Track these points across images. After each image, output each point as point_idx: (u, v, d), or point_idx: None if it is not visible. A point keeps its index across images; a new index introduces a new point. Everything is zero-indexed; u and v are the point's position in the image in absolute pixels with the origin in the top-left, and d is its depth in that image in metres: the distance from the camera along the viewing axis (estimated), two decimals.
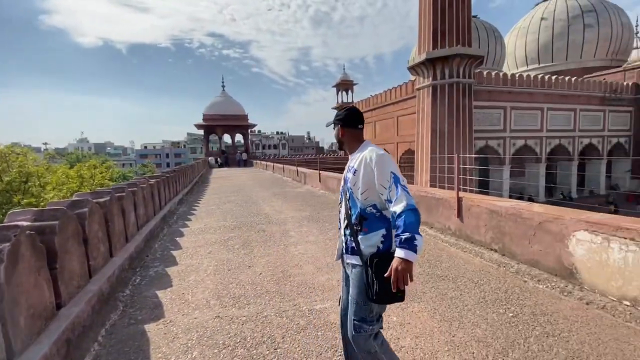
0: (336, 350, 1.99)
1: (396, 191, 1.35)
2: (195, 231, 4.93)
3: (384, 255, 1.40)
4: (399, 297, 1.38)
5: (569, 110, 25.97)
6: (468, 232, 3.67)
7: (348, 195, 1.53)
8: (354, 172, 1.50)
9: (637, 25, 37.88)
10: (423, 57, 19.61)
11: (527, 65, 37.69)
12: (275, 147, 79.28)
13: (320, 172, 9.05)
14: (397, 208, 1.33)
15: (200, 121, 31.74)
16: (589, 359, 1.84)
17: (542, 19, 37.35)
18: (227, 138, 37.87)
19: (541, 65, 36.49)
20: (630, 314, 2.25)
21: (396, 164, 1.49)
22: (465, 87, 19.70)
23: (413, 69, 21.08)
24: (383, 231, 1.45)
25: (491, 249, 3.39)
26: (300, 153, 60.42)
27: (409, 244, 1.27)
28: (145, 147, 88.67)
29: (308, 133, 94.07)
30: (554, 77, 25.15)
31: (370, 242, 1.44)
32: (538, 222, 2.85)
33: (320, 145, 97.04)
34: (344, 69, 38.20)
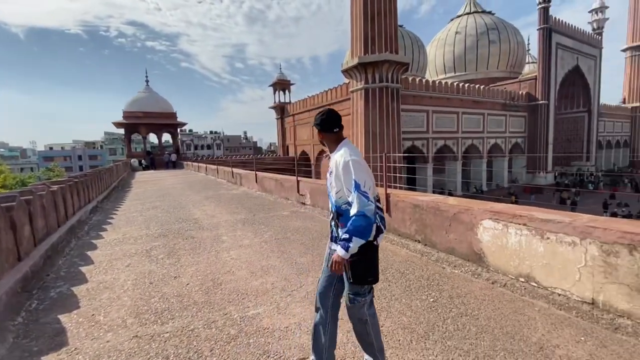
0: (269, 356, 1.93)
1: (354, 197, 1.55)
2: (111, 242, 4.36)
3: (367, 245, 1.60)
4: (370, 280, 1.64)
5: (479, 114, 29.68)
6: (396, 226, 3.90)
7: (328, 193, 1.76)
8: (330, 173, 1.72)
9: (528, 44, 44.97)
10: (355, 61, 20.53)
11: (445, 73, 42.05)
12: (209, 147, 75.23)
13: (257, 172, 8.82)
14: (351, 211, 1.56)
15: (120, 119, 28.53)
16: (494, 332, 2.09)
17: (456, 32, 41.99)
18: (153, 138, 34.75)
19: (457, 73, 41.04)
20: (525, 288, 2.63)
21: (362, 167, 1.62)
22: (394, 91, 21.16)
23: (347, 72, 21.92)
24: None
25: (415, 240, 3.66)
26: (236, 153, 58.36)
27: (344, 244, 1.54)
28: (51, 148, 76.47)
29: (245, 133, 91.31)
30: (467, 85, 28.47)
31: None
32: (453, 214, 3.16)
33: (259, 145, 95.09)
34: (280, 68, 38.01)
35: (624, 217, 20.89)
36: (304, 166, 31.83)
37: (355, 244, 1.53)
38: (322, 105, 29.50)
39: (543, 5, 32.65)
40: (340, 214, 1.66)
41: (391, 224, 3.98)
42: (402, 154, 21.75)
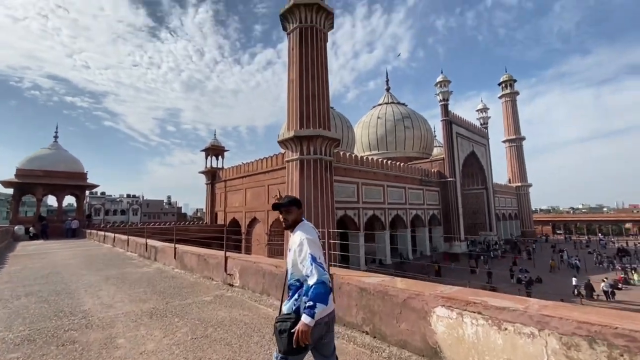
0: None
1: (311, 268, 1.77)
2: None
3: (298, 317, 1.76)
4: (304, 349, 1.77)
5: (401, 187, 32.66)
6: (340, 314, 3.42)
7: (285, 269, 2.02)
8: (290, 250, 1.98)
9: (435, 131, 53.55)
10: (292, 134, 21.50)
11: (370, 150, 46.77)
12: (123, 212, 66.90)
13: (177, 245, 7.65)
14: (310, 281, 1.76)
15: (12, 177, 23.95)
16: None
17: (378, 117, 48.22)
18: (53, 201, 29.47)
19: (380, 151, 45.95)
20: None
21: (316, 244, 1.91)
22: (327, 163, 22.27)
23: (283, 143, 22.66)
24: (296, 296, 1.88)
25: (363, 332, 3.20)
26: (156, 220, 52.64)
27: (309, 311, 1.68)
28: None
29: (169, 197, 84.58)
30: (390, 162, 31.68)
31: (288, 307, 1.88)
32: (403, 300, 2.85)
33: (184, 211, 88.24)
34: (214, 134, 37.81)
35: (526, 282, 23.53)
36: (234, 233, 29.82)
37: (319, 309, 1.69)
38: (257, 173, 29.36)
39: (443, 102, 40.10)
40: (290, 289, 1.93)
41: (336, 311, 3.49)
42: (335, 229, 22.01)
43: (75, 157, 28.07)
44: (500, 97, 61.46)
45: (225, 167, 36.17)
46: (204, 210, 39.28)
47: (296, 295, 1.87)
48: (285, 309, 1.89)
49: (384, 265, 27.73)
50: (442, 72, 41.45)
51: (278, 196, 25.38)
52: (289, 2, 23.24)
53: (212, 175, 36.05)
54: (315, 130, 21.51)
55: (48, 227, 23.24)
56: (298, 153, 21.76)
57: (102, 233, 17.98)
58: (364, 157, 28.98)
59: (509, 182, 60.11)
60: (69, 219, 26.78)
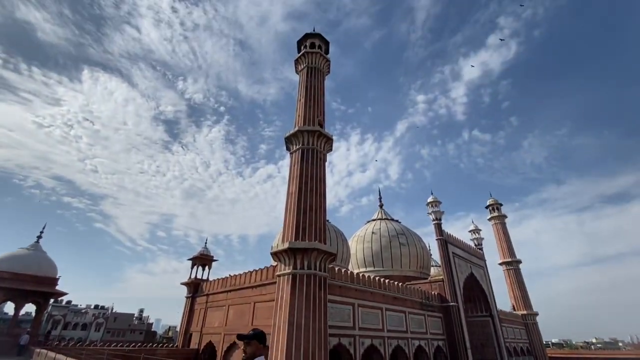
0: None
1: None
2: None
3: None
4: None
5: (401, 312, 29.75)
6: None
7: None
8: None
9: (430, 249, 52.86)
10: (286, 245, 20.70)
11: (366, 267, 44.91)
12: (84, 327, 58.54)
13: None
14: None
15: None
16: None
17: (372, 232, 48.28)
18: (10, 309, 25.82)
19: (376, 268, 44.05)
20: None
21: None
22: (322, 280, 20.70)
23: (276, 255, 21.58)
24: None
25: None
26: (120, 340, 45.52)
27: None
28: None
29: (141, 311, 75.44)
30: (388, 281, 29.81)
31: None
32: None
33: (154, 328, 77.75)
34: (205, 243, 36.59)
35: None
36: None
37: None
38: (244, 287, 26.99)
39: (436, 222, 40.85)
40: None
41: None
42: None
43: (52, 260, 26.10)
44: (489, 220, 63.41)
45: (210, 278, 33.64)
46: (177, 330, 34.43)
47: None
48: None
49: None
50: (432, 193, 43.70)
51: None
52: (294, 128, 26.13)
53: (194, 287, 33.12)
54: (311, 242, 20.85)
55: None
56: (291, 267, 20.49)
57: (53, 355, 14.90)
58: (360, 275, 27.33)
59: (513, 309, 55.96)
60: (27, 332, 22.97)
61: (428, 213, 42.47)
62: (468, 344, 34.39)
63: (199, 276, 33.86)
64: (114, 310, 67.62)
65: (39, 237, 26.38)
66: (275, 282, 23.61)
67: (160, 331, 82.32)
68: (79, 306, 70.01)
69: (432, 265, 53.32)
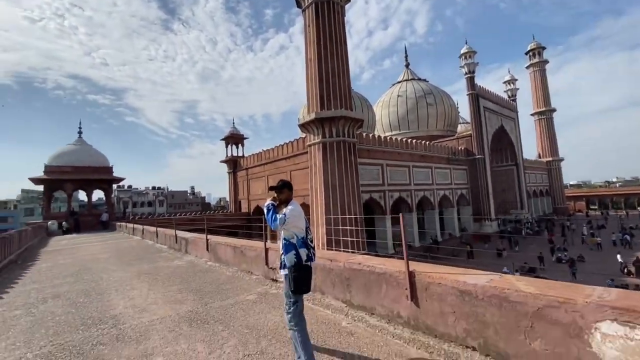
0: None
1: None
2: None
3: (299, 266, 2.46)
4: (305, 290, 2.48)
5: (427, 167, 31.26)
6: (429, 322, 2.66)
7: (280, 232, 2.58)
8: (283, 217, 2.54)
9: (457, 106, 50.90)
10: (312, 116, 20.57)
11: (391, 131, 45.07)
12: (150, 204, 68.82)
13: (208, 237, 7.12)
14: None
15: (41, 175, 24.50)
16: None
17: (398, 95, 46.20)
18: (83, 196, 30.21)
19: (401, 131, 44.20)
20: None
21: (298, 216, 2.56)
22: (351, 145, 21.29)
23: (304, 126, 21.80)
24: (294, 251, 2.49)
25: (467, 347, 2.42)
26: (182, 210, 53.72)
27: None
28: None
29: (192, 188, 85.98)
30: (415, 141, 30.25)
31: (288, 260, 2.49)
32: (536, 309, 2.04)
33: (207, 200, 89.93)
34: (233, 123, 37.36)
35: (568, 262, 22.04)
36: (258, 221, 29.70)
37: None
38: (278, 159, 28.79)
39: (469, 75, 37.67)
40: (283, 246, 2.54)
41: (420, 319, 2.73)
42: (362, 214, 21.21)
43: (99, 151, 28.40)
44: (527, 67, 57.47)
45: (245, 155, 35.87)
46: (227, 199, 39.46)
47: (294, 251, 2.50)
48: (287, 263, 2.48)
49: (412, 249, 26.86)
50: (466, 43, 38.84)
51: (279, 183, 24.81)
52: None
53: (233, 163, 35.86)
54: (337, 111, 20.46)
55: (80, 221, 23.82)
56: (320, 136, 20.88)
57: (131, 225, 18.07)
58: (387, 138, 27.69)
59: (539, 157, 56.90)
60: (104, 211, 27.45)
61: (460, 66, 38.86)
62: (490, 190, 37.02)
63: (234, 154, 36.17)
64: (169, 189, 77.60)
65: (80, 132, 28.12)
66: (307, 152, 24.80)
67: (212, 202, 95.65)
68: (139, 189, 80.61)
69: (460, 123, 52.37)
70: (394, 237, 27.71)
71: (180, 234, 9.25)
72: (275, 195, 2.64)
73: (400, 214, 3.33)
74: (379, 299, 3.07)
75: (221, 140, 36.42)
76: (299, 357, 2.29)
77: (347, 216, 19.81)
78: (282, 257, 2.51)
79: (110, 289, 5.17)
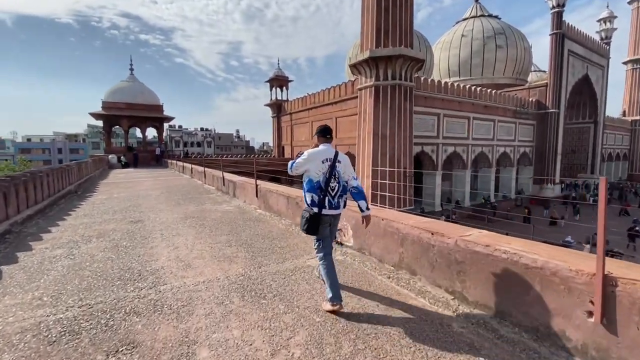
0: None
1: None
2: None
3: (308, 208, 2.49)
4: (310, 233, 2.48)
5: (490, 120, 27.83)
6: None
7: (338, 176, 2.53)
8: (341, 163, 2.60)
9: (532, 50, 43.57)
10: (367, 55, 18.29)
11: (450, 77, 40.29)
12: (199, 144, 71.98)
13: (258, 182, 6.42)
14: (354, 183, 2.64)
15: (99, 109, 25.60)
16: None
17: (462, 36, 40.33)
18: (138, 132, 31.67)
19: (461, 78, 39.31)
20: None
21: (313, 158, 2.52)
22: (407, 90, 19.00)
23: (355, 67, 19.67)
24: (304, 193, 2.56)
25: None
26: (227, 152, 55.43)
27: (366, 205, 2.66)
28: (29, 140, 71.91)
29: (237, 131, 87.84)
30: (479, 89, 26.61)
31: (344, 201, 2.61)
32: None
33: (251, 144, 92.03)
34: (278, 64, 35.50)
35: None
36: None
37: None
38: (324, 104, 27.19)
39: (557, 9, 31.16)
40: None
41: (613, 352, 1.67)
42: (413, 168, 19.60)
43: (151, 89, 28.77)
44: (630, 3, 46.45)
45: (289, 98, 34.53)
46: (270, 144, 39.42)
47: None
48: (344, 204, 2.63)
49: (462, 209, 25.18)
50: None
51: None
52: None
53: (277, 107, 34.88)
54: (396, 48, 17.92)
55: (138, 157, 25.14)
56: (373, 78, 18.77)
57: (181, 163, 18.46)
58: (448, 84, 24.50)
59: (624, 115, 48.61)
60: (158, 146, 28.84)
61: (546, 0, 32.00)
62: (559, 149, 32.68)
63: (279, 97, 34.99)
64: (216, 131, 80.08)
65: (131, 68, 28.44)
66: (355, 97, 22.87)
67: (256, 147, 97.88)
68: (188, 129, 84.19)
69: (532, 71, 45.42)
70: (442, 195, 26.01)
71: (228, 176, 8.75)
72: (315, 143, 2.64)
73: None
74: (521, 304, 2.01)
75: (266, 82, 35.13)
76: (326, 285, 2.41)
77: (396, 169, 18.45)
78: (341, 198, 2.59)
79: (156, 232, 4.72)
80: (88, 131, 79.45)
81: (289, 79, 35.14)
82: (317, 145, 2.59)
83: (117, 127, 28.89)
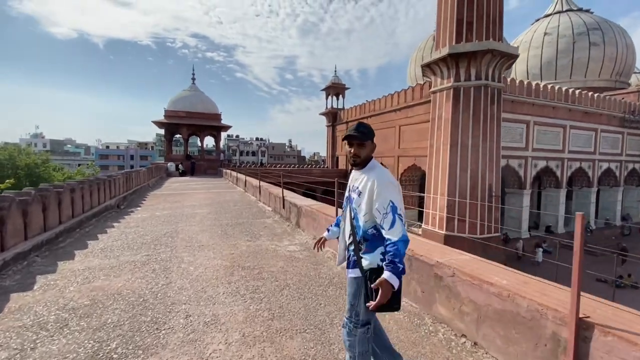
0: None
1: (392, 219, 1.45)
2: None
3: (381, 270, 1.47)
4: (395, 307, 1.51)
5: (590, 130, 22.90)
6: None
7: (353, 214, 1.63)
8: (359, 194, 1.59)
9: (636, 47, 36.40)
10: (445, 52, 15.54)
11: (530, 80, 35.14)
12: (254, 154, 73.63)
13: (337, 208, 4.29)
14: (392, 236, 1.44)
15: (162, 118, 26.21)
16: None
17: (545, 34, 35.15)
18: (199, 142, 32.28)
19: (544, 82, 34.07)
20: None
21: (398, 190, 1.56)
22: (495, 92, 15.76)
23: (429, 67, 16.99)
24: (381, 249, 1.53)
25: None
26: (280, 162, 55.31)
27: (396, 271, 1.40)
28: (107, 147, 80.00)
29: (290, 141, 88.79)
30: (577, 91, 22.06)
31: (370, 260, 1.55)
32: None
33: (302, 154, 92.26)
34: (335, 71, 33.98)
35: None
36: None
37: (403, 269, 1.43)
38: (386, 111, 24.72)
39: None
40: (367, 240, 1.57)
41: None
42: (500, 185, 16.15)
43: (210, 98, 29.00)
44: None
45: (345, 107, 32.67)
46: (322, 154, 37.83)
47: (382, 248, 1.51)
48: (367, 263, 1.55)
49: (554, 235, 20.65)
50: None
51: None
52: None
53: (332, 116, 33.22)
54: (482, 42, 14.94)
55: (195, 166, 25.09)
56: (452, 79, 15.93)
57: (235, 174, 17.36)
58: (540, 85, 20.52)
59: None
60: (221, 154, 28.92)
61: None
62: None
63: (334, 105, 33.35)
64: (270, 141, 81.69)
65: (193, 78, 29.11)
66: (424, 103, 20.13)
67: (307, 156, 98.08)
68: (246, 139, 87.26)
69: (635, 72, 38.03)
70: (530, 218, 21.65)
71: (290, 197, 6.78)
72: (352, 150, 1.60)
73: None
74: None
75: (322, 90, 33.76)
76: None
77: (479, 188, 15.24)
78: (362, 252, 1.56)
79: (179, 307, 2.77)
80: (156, 139, 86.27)
81: (346, 87, 33.39)
82: (359, 157, 1.59)
83: (179, 135, 29.59)
